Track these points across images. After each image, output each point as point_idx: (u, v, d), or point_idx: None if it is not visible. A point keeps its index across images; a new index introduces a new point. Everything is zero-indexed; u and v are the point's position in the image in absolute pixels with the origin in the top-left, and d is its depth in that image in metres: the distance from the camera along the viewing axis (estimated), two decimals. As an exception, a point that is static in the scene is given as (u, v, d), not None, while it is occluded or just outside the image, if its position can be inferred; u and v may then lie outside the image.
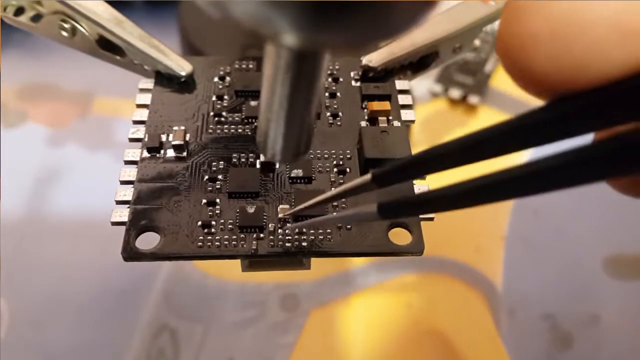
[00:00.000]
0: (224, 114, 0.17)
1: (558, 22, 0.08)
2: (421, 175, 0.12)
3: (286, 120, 0.11)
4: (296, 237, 0.14)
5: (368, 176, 0.11)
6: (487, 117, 0.32)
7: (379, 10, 0.07)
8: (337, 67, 0.18)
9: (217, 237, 0.14)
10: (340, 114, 0.17)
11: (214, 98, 0.17)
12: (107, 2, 0.17)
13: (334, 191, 0.13)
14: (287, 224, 0.14)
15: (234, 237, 0.14)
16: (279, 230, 0.14)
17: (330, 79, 0.18)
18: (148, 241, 0.14)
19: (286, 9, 0.07)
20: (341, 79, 0.18)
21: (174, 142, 0.16)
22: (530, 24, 0.08)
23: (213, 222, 0.14)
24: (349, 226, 0.14)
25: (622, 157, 0.08)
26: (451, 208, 0.11)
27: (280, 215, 0.14)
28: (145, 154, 0.16)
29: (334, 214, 0.14)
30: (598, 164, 0.08)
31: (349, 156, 0.16)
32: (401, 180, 0.12)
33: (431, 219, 0.14)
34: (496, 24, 0.19)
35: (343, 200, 0.15)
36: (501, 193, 0.09)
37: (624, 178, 0.11)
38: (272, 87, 0.10)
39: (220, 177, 0.15)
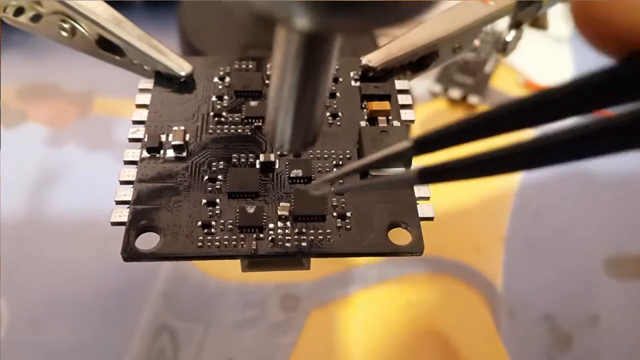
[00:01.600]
0: (223, 114, 0.17)
1: None
2: (463, 142, 0.11)
3: (295, 109, 0.11)
4: (296, 237, 0.14)
5: (408, 143, 0.11)
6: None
7: None
8: (337, 67, 0.18)
9: (216, 237, 0.14)
10: (339, 114, 0.17)
11: (213, 98, 0.17)
12: (106, 2, 0.17)
13: (372, 156, 0.12)
14: (310, 185, 0.14)
15: (234, 237, 0.14)
16: (279, 231, 0.14)
17: (330, 79, 0.18)
18: (148, 241, 0.14)
19: None
20: (341, 79, 0.18)
21: (173, 142, 0.16)
22: None
23: (213, 222, 0.14)
24: (348, 226, 0.14)
25: None
26: (490, 173, 0.10)
27: (279, 213, 0.14)
28: (145, 154, 0.15)
29: (371, 180, 0.13)
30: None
31: (348, 156, 0.16)
32: (441, 147, 0.11)
33: (431, 218, 0.14)
34: (496, 24, 0.19)
35: (343, 199, 0.15)
36: (534, 160, 0.09)
37: None
38: (282, 75, 0.10)
39: (220, 177, 0.15)
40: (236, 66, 0.18)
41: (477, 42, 0.19)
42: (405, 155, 0.11)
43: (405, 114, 0.17)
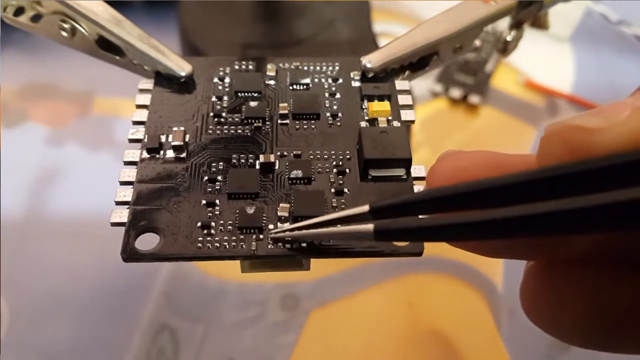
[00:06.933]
0: (223, 114, 0.17)
1: None
2: (423, 213, 0.12)
3: None
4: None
5: (366, 207, 0.12)
6: (487, 117, 0.32)
7: None
8: (337, 67, 0.18)
9: (216, 238, 0.14)
10: (339, 114, 0.17)
11: (213, 98, 0.17)
12: (106, 2, 0.17)
13: (328, 216, 0.13)
14: (273, 234, 0.14)
15: (234, 238, 0.14)
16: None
17: (330, 79, 0.18)
18: (147, 242, 0.14)
19: None
20: (341, 79, 0.18)
21: (173, 143, 0.16)
22: None
23: (212, 223, 0.14)
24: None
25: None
26: (454, 239, 0.11)
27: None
28: (145, 155, 0.15)
29: (327, 229, 0.13)
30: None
31: (348, 157, 0.16)
32: (400, 215, 0.11)
33: (431, 219, 0.14)
34: (497, 24, 0.19)
35: (343, 200, 0.15)
36: (508, 230, 0.09)
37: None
38: None
39: (219, 178, 0.15)
40: (236, 66, 0.18)
41: (477, 42, 0.19)
42: (363, 217, 0.12)
43: (405, 114, 0.17)
